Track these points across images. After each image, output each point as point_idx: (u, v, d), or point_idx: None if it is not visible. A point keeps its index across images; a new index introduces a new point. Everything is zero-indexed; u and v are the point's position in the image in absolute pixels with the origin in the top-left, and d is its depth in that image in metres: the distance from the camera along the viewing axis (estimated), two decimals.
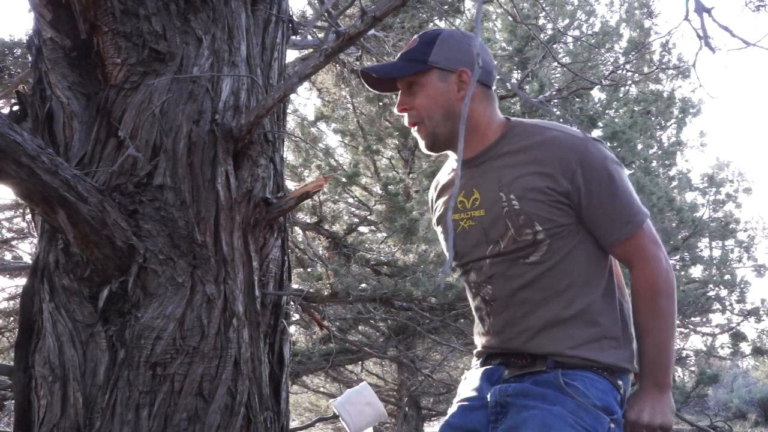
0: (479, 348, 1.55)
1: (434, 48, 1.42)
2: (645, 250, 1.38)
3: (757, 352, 8.75)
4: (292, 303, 3.42)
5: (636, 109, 8.31)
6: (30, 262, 3.45)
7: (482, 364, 1.52)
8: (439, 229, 1.64)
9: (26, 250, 5.36)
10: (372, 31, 4.79)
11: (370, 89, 1.54)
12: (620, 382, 1.39)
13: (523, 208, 1.37)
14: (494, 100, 1.50)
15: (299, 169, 7.05)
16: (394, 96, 6.41)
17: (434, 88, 1.42)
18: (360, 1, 2.25)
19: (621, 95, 8.68)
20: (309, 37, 4.95)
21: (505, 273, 1.41)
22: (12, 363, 2.38)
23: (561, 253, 1.38)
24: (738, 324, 8.83)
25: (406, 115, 1.48)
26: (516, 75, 7.10)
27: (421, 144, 1.48)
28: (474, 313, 1.55)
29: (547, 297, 1.38)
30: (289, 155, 7.19)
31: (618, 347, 1.40)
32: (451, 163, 1.61)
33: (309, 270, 5.55)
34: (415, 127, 1.46)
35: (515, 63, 6.97)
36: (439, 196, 1.62)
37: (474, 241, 1.45)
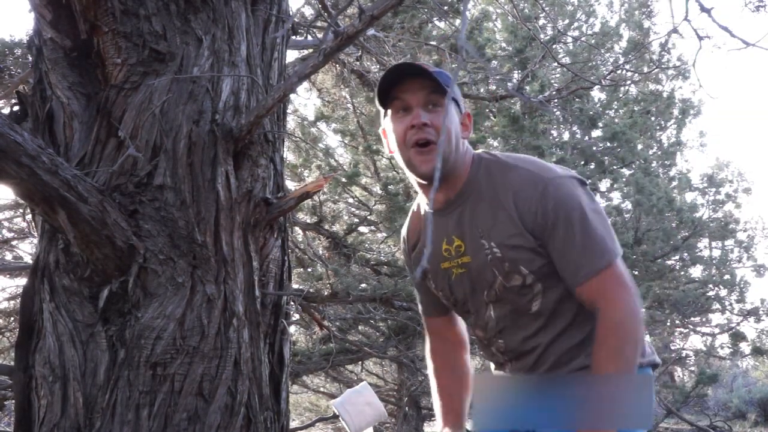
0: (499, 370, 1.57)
1: (451, 82, 1.37)
2: (610, 292, 1.30)
3: (757, 352, 8.75)
4: (292, 303, 3.42)
5: (636, 109, 8.31)
6: (30, 262, 3.45)
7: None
8: (430, 284, 1.59)
9: (26, 250, 5.37)
10: (372, 31, 4.79)
11: (379, 88, 1.40)
12: None
13: (504, 255, 1.36)
14: None
15: (299, 169, 7.05)
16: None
17: (453, 117, 1.40)
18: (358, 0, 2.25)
19: (621, 95, 8.68)
20: (309, 38, 4.95)
21: (513, 326, 1.43)
22: (12, 363, 2.38)
23: (557, 295, 1.38)
24: (738, 324, 8.83)
25: (414, 134, 1.36)
26: (516, 75, 7.10)
27: (426, 167, 1.36)
28: (489, 358, 1.56)
29: (555, 337, 1.39)
30: (289, 155, 7.18)
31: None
32: (420, 221, 1.58)
33: (309, 270, 5.56)
34: (425, 147, 1.36)
35: (515, 63, 6.98)
36: (417, 243, 1.59)
37: (469, 287, 1.45)
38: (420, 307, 1.66)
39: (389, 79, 1.37)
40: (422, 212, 1.54)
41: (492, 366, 1.58)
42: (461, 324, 1.64)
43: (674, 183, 10.82)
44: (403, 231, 1.64)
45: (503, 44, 7.55)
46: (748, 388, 12.60)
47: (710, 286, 9.24)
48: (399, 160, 1.42)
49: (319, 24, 5.48)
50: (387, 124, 1.43)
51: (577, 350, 1.39)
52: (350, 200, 7.80)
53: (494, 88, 6.43)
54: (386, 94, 1.39)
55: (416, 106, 1.36)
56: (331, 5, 5.11)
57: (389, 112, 1.41)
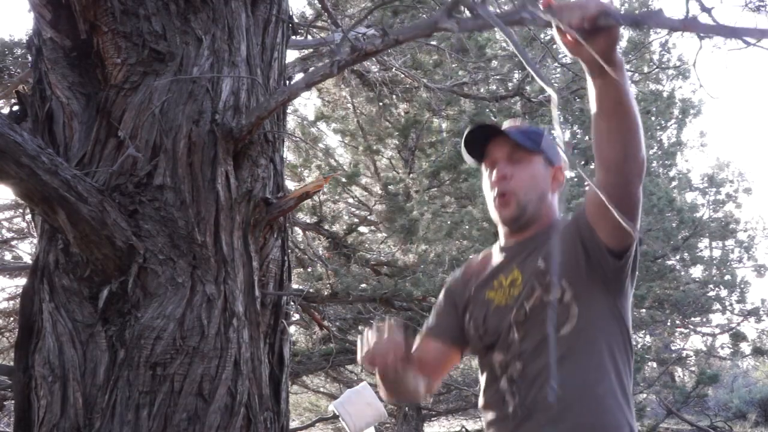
0: None
1: (543, 138, 1.54)
2: None
3: (757, 352, 8.75)
4: (292, 303, 3.42)
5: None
6: (30, 262, 3.45)
7: None
8: (465, 315, 1.59)
9: (26, 250, 5.37)
10: (371, 31, 4.79)
11: (465, 147, 1.57)
12: None
13: (549, 267, 1.40)
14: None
15: (299, 169, 7.04)
16: (394, 96, 6.40)
17: (539, 170, 1.53)
18: (369, 13, 2.24)
19: None
20: (309, 38, 4.94)
21: (536, 348, 1.39)
22: (12, 363, 2.38)
23: (592, 328, 1.37)
24: (738, 324, 8.82)
25: (494, 188, 1.52)
26: (516, 75, 7.10)
27: (504, 212, 1.52)
28: (489, 403, 1.48)
29: (576, 374, 1.35)
30: (289, 155, 7.18)
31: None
32: (490, 255, 1.64)
33: (309, 270, 5.55)
34: (503, 197, 1.51)
35: (515, 63, 6.98)
36: (480, 272, 1.62)
37: (503, 313, 1.46)
38: (424, 331, 1.65)
39: (477, 137, 1.54)
40: (498, 246, 1.62)
41: (487, 418, 1.51)
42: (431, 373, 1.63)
43: (674, 183, 10.83)
44: (468, 263, 1.70)
45: (503, 44, 7.55)
46: (749, 388, 12.61)
47: (710, 286, 9.24)
48: (490, 209, 1.58)
49: (319, 24, 5.48)
50: (484, 181, 1.61)
51: (594, 405, 1.33)
52: (350, 200, 7.79)
53: (494, 87, 6.43)
54: (480, 154, 1.57)
55: (501, 160, 1.53)
56: (331, 5, 5.10)
57: (483, 168, 1.59)
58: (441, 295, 1.68)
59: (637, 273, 1.55)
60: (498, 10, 1.13)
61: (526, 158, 1.51)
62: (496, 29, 1.14)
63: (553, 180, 1.56)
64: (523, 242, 1.52)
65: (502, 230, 1.59)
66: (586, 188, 1.41)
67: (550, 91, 0.77)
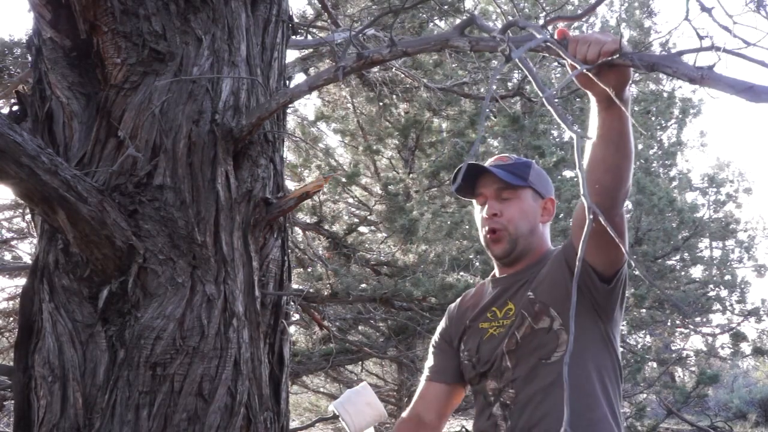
0: None
1: (531, 171, 1.58)
2: None
3: (758, 352, 8.74)
4: (292, 303, 3.42)
5: (636, 109, 8.31)
6: (30, 262, 3.45)
7: None
8: (461, 345, 1.62)
9: (26, 250, 5.37)
10: (371, 31, 4.79)
11: (454, 184, 1.60)
12: None
13: (537, 297, 1.45)
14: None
15: (299, 169, 7.04)
16: (394, 96, 6.40)
17: (528, 204, 1.57)
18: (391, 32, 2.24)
19: None
20: (309, 38, 4.94)
21: (528, 375, 1.43)
22: (12, 363, 2.38)
23: (580, 356, 1.40)
24: (738, 324, 8.82)
25: (485, 225, 1.56)
26: (516, 75, 7.10)
27: (496, 249, 1.55)
28: (482, 429, 1.51)
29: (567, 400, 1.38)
30: (289, 155, 7.18)
31: None
32: (484, 288, 1.67)
33: (309, 270, 5.55)
34: (494, 234, 1.55)
35: (515, 63, 6.96)
36: (474, 303, 1.66)
37: (496, 342, 1.50)
38: (426, 373, 1.69)
39: (466, 175, 1.57)
40: (491, 277, 1.66)
41: None
42: (442, 422, 1.67)
43: (675, 183, 10.84)
44: (461, 298, 1.73)
45: None
46: (749, 388, 12.61)
47: (711, 286, 9.25)
48: (481, 242, 1.63)
49: (319, 24, 5.48)
50: (476, 214, 1.65)
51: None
52: (350, 200, 7.79)
53: (494, 87, 6.43)
54: (471, 189, 1.61)
55: (490, 198, 1.57)
56: (331, 5, 5.10)
57: (475, 203, 1.63)
58: (435, 336, 1.72)
59: (626, 301, 1.57)
60: (509, 35, 1.13)
61: (514, 194, 1.55)
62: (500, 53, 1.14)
63: (543, 212, 1.59)
64: (516, 274, 1.56)
65: (495, 264, 1.63)
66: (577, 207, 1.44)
67: (573, 135, 0.78)
